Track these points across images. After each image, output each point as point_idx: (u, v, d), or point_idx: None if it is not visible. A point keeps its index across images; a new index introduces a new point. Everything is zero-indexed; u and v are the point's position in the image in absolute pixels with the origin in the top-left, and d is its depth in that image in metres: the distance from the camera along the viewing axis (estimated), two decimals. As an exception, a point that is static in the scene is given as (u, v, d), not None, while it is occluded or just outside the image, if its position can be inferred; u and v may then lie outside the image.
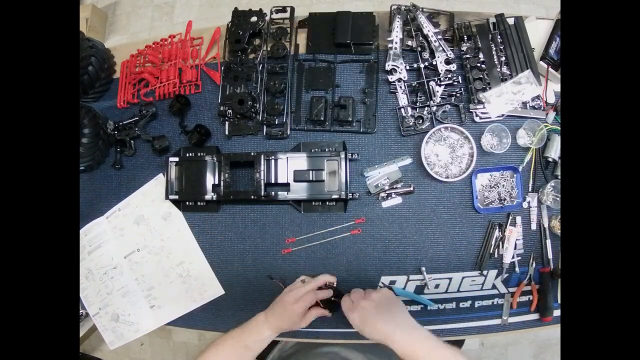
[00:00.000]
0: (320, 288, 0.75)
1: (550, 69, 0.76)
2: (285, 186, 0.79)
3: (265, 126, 0.83)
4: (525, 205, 0.77)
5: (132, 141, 0.87)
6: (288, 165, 0.78)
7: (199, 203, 0.83)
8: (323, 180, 0.78)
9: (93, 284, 0.87)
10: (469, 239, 0.78)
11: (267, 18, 0.87)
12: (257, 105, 0.83)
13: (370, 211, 0.80)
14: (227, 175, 0.79)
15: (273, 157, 0.78)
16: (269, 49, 0.85)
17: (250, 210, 0.83)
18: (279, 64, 0.84)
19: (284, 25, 0.87)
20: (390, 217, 0.80)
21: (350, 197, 0.78)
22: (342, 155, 0.77)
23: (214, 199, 0.80)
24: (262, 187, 0.78)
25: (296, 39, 0.87)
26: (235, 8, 0.88)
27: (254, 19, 0.85)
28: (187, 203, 0.84)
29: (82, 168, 0.86)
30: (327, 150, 0.80)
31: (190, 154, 0.83)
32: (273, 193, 0.78)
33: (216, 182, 0.80)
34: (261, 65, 0.85)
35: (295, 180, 0.78)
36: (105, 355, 1.60)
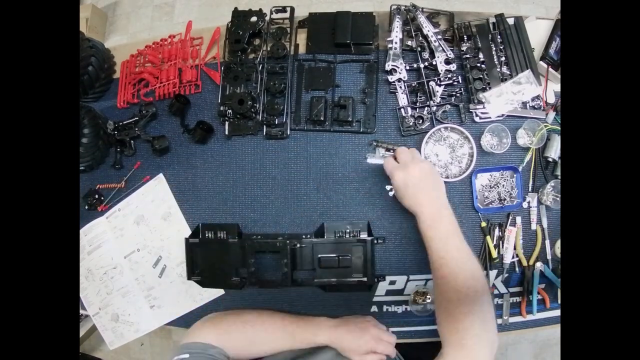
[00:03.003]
0: None
1: (550, 69, 0.76)
2: (311, 271, 0.77)
3: (265, 126, 0.83)
4: (525, 205, 0.77)
5: (132, 141, 0.87)
6: (314, 252, 0.76)
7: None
8: (349, 267, 0.76)
9: (93, 284, 0.87)
10: (469, 239, 0.78)
11: (267, 18, 0.87)
12: (257, 105, 0.83)
13: (371, 211, 0.80)
14: (252, 261, 0.76)
15: (298, 244, 0.76)
16: (268, 49, 0.85)
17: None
18: (278, 64, 0.84)
19: (284, 25, 0.87)
20: (390, 217, 0.80)
21: (377, 281, 0.77)
22: (369, 242, 0.75)
23: (238, 283, 0.78)
24: (289, 278, 0.75)
25: (296, 39, 0.87)
26: (235, 8, 0.88)
27: (253, 19, 0.85)
28: (209, 282, 0.81)
29: (82, 168, 0.86)
30: (351, 232, 0.78)
31: (210, 234, 0.81)
32: (300, 279, 0.77)
33: (240, 265, 0.78)
34: (261, 65, 0.85)
35: (321, 267, 0.76)
36: (105, 355, 1.60)
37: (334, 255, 0.76)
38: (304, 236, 0.79)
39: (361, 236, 0.77)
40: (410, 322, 0.79)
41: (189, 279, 0.79)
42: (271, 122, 0.83)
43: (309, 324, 0.73)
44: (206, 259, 0.79)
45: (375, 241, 0.77)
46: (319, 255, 0.76)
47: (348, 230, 0.79)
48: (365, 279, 0.75)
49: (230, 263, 0.78)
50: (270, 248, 0.76)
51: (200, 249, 0.79)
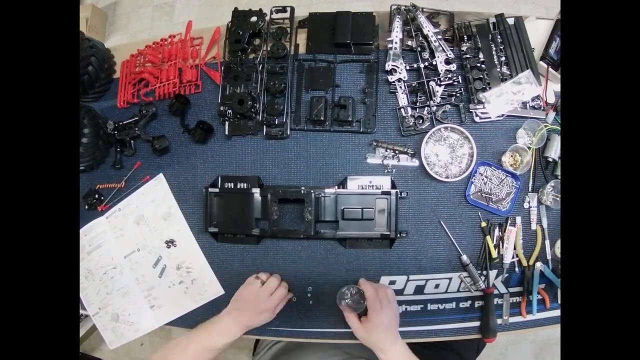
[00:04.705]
0: None
1: (550, 69, 0.76)
2: (334, 223, 0.78)
3: (265, 126, 0.83)
4: (525, 205, 0.77)
5: (132, 141, 0.87)
6: (337, 203, 0.77)
7: (238, 235, 0.82)
8: (372, 219, 0.77)
9: (93, 284, 0.87)
10: (469, 239, 0.78)
11: (267, 18, 0.87)
12: (257, 105, 0.83)
13: (370, 211, 0.80)
14: (275, 209, 0.76)
15: (322, 193, 0.77)
16: (269, 49, 0.85)
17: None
18: (279, 64, 0.84)
19: (284, 25, 0.87)
20: (390, 217, 0.80)
21: (399, 236, 0.77)
22: (393, 194, 0.76)
23: (259, 234, 0.79)
24: (313, 226, 0.76)
25: (296, 39, 0.87)
26: (235, 8, 0.88)
27: (254, 19, 0.85)
28: (226, 235, 0.82)
29: (82, 168, 0.86)
30: (374, 186, 0.78)
31: (230, 185, 0.81)
32: (322, 231, 0.78)
33: (259, 217, 0.79)
34: (261, 65, 0.85)
35: (344, 219, 0.77)
36: (105, 355, 1.60)
37: (358, 207, 0.76)
38: (326, 188, 0.78)
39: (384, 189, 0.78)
40: (410, 322, 0.79)
41: (205, 230, 0.80)
42: (271, 122, 0.83)
43: (220, 328, 0.72)
44: (225, 210, 0.79)
45: (400, 194, 0.77)
46: (342, 207, 0.77)
47: (372, 184, 0.78)
48: (388, 232, 0.76)
49: (250, 215, 0.78)
50: (295, 195, 0.77)
51: (218, 200, 0.79)
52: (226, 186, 0.81)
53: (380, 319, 0.68)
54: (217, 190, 0.80)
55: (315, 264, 0.81)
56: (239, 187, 0.80)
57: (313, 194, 0.76)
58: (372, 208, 0.77)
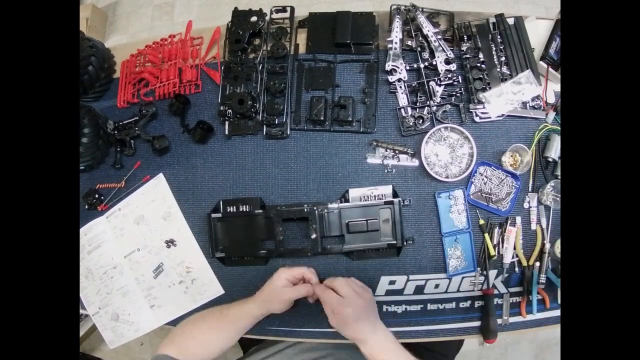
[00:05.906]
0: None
1: (550, 69, 0.76)
2: (339, 237, 0.78)
3: (265, 126, 0.83)
4: (525, 205, 0.77)
5: (132, 141, 0.87)
6: (341, 217, 0.77)
7: (246, 257, 0.82)
8: (378, 230, 0.77)
9: (93, 283, 0.87)
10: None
11: (267, 18, 0.87)
12: (257, 105, 0.83)
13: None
14: (280, 229, 0.76)
15: (325, 209, 0.77)
16: (269, 48, 0.85)
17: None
18: (279, 64, 0.84)
19: (284, 25, 0.87)
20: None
21: (405, 244, 0.77)
22: (396, 203, 0.76)
23: (266, 255, 0.79)
24: (319, 243, 0.76)
25: (296, 38, 0.87)
26: (235, 8, 0.88)
27: (254, 18, 0.85)
28: (233, 258, 0.82)
29: (82, 168, 0.86)
30: (376, 197, 0.78)
31: (232, 208, 0.80)
32: (329, 247, 0.78)
33: (265, 237, 0.79)
34: (261, 65, 0.85)
35: (349, 232, 0.77)
36: (105, 355, 1.60)
37: (362, 219, 0.76)
38: (329, 203, 0.78)
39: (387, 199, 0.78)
40: (410, 322, 0.79)
41: (212, 256, 0.80)
42: (271, 122, 0.83)
43: (237, 301, 0.75)
44: (229, 234, 0.79)
45: (402, 202, 0.77)
46: (347, 221, 0.77)
47: (373, 195, 0.78)
48: (395, 241, 0.76)
49: (255, 236, 0.78)
50: (298, 214, 0.77)
51: (222, 224, 0.79)
52: (228, 210, 0.81)
53: (346, 310, 0.67)
54: (219, 215, 0.80)
55: (315, 264, 0.81)
56: (241, 209, 0.80)
57: (317, 211, 0.76)
58: (376, 219, 0.76)
